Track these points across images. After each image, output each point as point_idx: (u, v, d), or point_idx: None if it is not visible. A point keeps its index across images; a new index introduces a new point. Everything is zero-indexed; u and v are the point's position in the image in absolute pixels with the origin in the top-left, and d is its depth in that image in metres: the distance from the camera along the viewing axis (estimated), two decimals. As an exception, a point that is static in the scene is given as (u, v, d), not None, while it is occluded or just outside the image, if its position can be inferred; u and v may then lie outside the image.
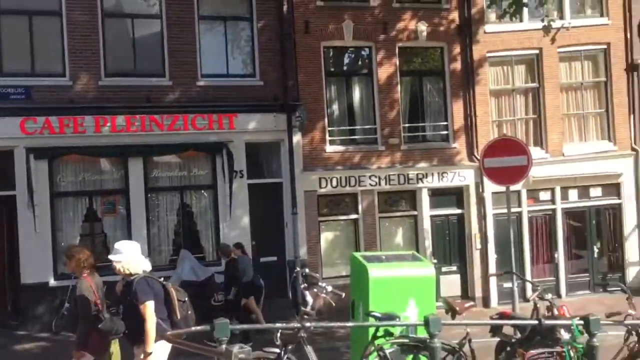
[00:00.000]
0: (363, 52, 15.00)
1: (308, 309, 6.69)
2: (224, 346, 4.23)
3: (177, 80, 13.31)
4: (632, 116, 15.41)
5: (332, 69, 14.93)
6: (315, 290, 7.13)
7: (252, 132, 13.71)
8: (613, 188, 15.54)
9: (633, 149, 15.44)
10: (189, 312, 5.90)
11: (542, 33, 13.84)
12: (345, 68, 15.29)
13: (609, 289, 14.91)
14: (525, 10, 13.52)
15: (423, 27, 14.74)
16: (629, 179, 15.45)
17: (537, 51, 15.18)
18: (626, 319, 6.61)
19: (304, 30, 14.12)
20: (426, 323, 5.24)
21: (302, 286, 7.17)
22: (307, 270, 8.00)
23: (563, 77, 15.51)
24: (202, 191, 13.79)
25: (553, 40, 15.05)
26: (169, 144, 13.14)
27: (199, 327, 4.76)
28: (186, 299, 5.95)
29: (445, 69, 15.06)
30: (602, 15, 15.54)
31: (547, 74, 15.22)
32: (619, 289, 8.75)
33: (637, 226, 15.42)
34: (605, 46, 15.46)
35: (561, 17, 15.18)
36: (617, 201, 15.52)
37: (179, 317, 5.78)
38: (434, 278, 7.23)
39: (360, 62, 15.25)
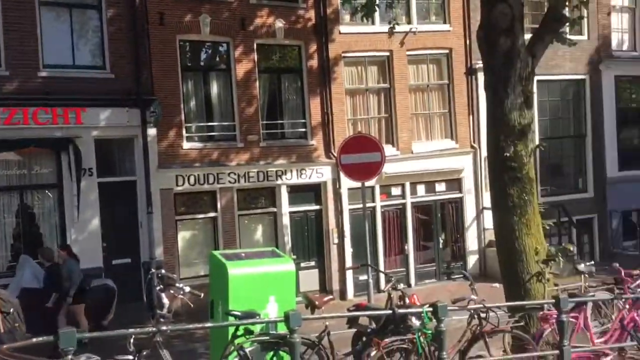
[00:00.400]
0: (221, 48, 14.76)
1: (164, 311, 6.43)
2: (69, 357, 3.90)
3: (15, 70, 12.15)
4: (471, 117, 16.71)
5: (189, 64, 14.54)
6: (171, 291, 6.86)
7: (103, 128, 12.92)
8: (455, 183, 16.75)
9: (472, 147, 16.76)
10: (16, 324, 5.23)
11: (392, 36, 14.56)
12: (202, 63, 14.96)
13: (452, 277, 16.03)
14: (377, 13, 14.09)
15: (280, 25, 14.83)
16: (469, 175, 16.75)
17: (388, 53, 15.92)
18: (469, 304, 7.11)
19: (158, 22, 13.57)
20: (286, 319, 5.26)
21: (158, 288, 6.87)
22: (162, 271, 7.67)
23: (411, 78, 16.40)
24: (46, 191, 12.76)
25: (402, 43, 15.88)
26: (5, 140, 11.95)
27: (41, 338, 4.34)
28: (12, 310, 5.27)
29: (302, 67, 15.27)
30: (445, 22, 16.66)
31: (397, 76, 16.01)
32: (462, 276, 9.43)
33: (475, 218, 16.77)
34: (447, 51, 16.58)
35: (409, 22, 16.07)
36: (459, 195, 16.75)
37: (2, 330, 5.12)
38: (294, 273, 7.29)
39: (218, 58, 14.99)
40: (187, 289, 6.85)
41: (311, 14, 15.22)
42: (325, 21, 15.25)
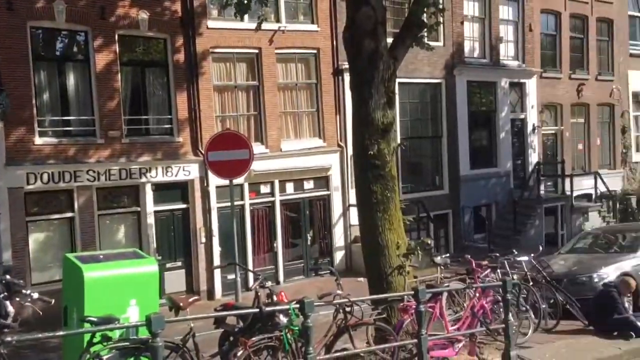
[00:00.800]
0: (78, 37, 13.86)
1: (9, 321, 5.86)
2: None
3: None
4: (338, 116, 17.15)
5: (43, 53, 13.51)
6: (17, 299, 6.28)
7: (-62, 120, 11.61)
8: (323, 180, 17.11)
9: (339, 146, 17.21)
10: None
11: (261, 33, 14.50)
12: (58, 52, 13.93)
13: (320, 273, 16.41)
14: (246, 10, 13.95)
15: (145, 16, 14.22)
16: (336, 172, 17.18)
17: (256, 51, 15.85)
18: (335, 299, 7.26)
19: (5, 7, 12.48)
20: (148, 323, 5.02)
21: (1, 295, 6.25)
22: (7, 277, 7.00)
23: (280, 77, 16.49)
24: None
25: (271, 41, 15.90)
26: None
27: None
28: None
29: (168, 61, 14.77)
30: (313, 23, 16.93)
31: (266, 73, 16.01)
32: (329, 272, 9.63)
33: (342, 214, 17.25)
34: (315, 51, 16.87)
35: (278, 21, 16.12)
36: (327, 192, 17.13)
37: None
38: (156, 275, 7.00)
39: (75, 48, 14.05)
40: (36, 295, 6.31)
41: (177, 6, 14.76)
42: (192, 15, 14.87)
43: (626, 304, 9.49)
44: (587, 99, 23.58)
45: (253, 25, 14.26)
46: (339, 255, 17.15)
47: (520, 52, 21.52)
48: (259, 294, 7.63)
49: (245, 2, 11.49)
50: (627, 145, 25.03)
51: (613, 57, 24.70)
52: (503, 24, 21.03)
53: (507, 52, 21.30)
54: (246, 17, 14.98)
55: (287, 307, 6.49)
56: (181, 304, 6.56)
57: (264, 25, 12.82)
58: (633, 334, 9.00)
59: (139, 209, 14.25)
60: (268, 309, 6.51)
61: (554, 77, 22.53)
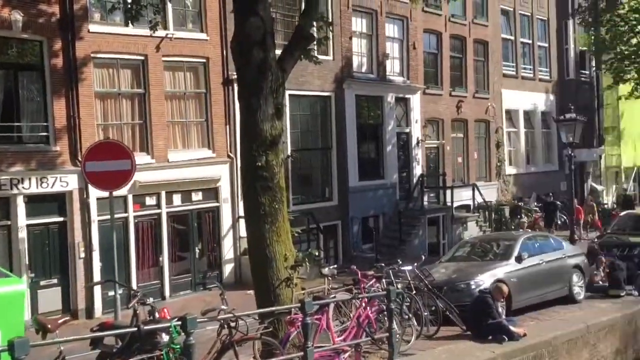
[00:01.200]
0: (-59, 36, 12.68)
1: None
2: None
3: None
4: (227, 126, 16.90)
5: None
6: None
7: None
8: (212, 192, 16.75)
9: (229, 156, 16.96)
10: None
11: (148, 40, 14.00)
12: None
13: (207, 287, 16.02)
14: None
15: (18, 17, 13.26)
16: (225, 184, 16.90)
17: (142, 57, 15.29)
18: (219, 314, 7.06)
19: None
20: (10, 348, 4.61)
21: None
22: None
23: (168, 85, 16.00)
24: None
25: (158, 48, 15.41)
26: None
27: None
28: None
29: (45, 66, 13.86)
30: (202, 31, 16.61)
31: (153, 81, 15.47)
32: (216, 285, 9.39)
33: (232, 226, 16.98)
34: (204, 60, 16.55)
35: (166, 28, 15.65)
36: (216, 204, 16.79)
37: None
38: (22, 295, 6.46)
39: (-64, 47, 12.83)
40: None
41: (56, 8, 13.92)
42: (72, 18, 14.08)
43: (500, 309, 10.07)
44: (465, 115, 25.01)
45: (138, 31, 13.80)
46: (228, 268, 16.84)
47: (405, 69, 22.43)
48: (137, 311, 7.26)
49: (132, 7, 11.10)
50: (501, 159, 26.83)
51: (488, 76, 26.43)
52: (389, 41, 21.82)
53: (393, 68, 22.12)
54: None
55: (167, 324, 6.22)
56: (49, 326, 6.07)
57: (157, 28, 12.39)
58: (506, 337, 9.56)
59: (9, 222, 13.18)
60: (147, 327, 6.20)
61: (436, 93, 23.70)
